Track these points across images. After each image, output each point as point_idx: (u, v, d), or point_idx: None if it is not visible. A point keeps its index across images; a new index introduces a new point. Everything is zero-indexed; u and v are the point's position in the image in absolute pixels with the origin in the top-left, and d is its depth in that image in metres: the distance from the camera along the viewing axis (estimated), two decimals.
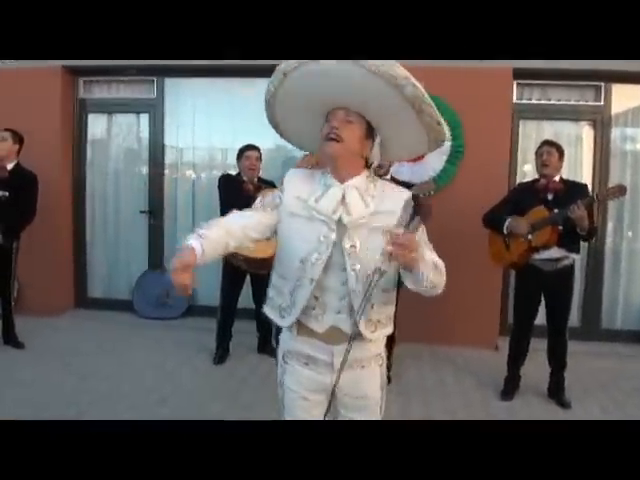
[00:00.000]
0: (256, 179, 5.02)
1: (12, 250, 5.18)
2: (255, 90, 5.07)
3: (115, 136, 6.77)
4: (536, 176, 4.44)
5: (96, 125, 6.72)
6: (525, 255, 4.25)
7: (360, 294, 1.94)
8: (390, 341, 4.46)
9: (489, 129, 5.53)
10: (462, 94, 5.50)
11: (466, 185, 5.53)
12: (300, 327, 2.06)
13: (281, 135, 2.24)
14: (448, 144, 5.51)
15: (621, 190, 4.02)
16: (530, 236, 4.17)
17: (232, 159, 5.45)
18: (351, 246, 1.96)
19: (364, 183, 2.03)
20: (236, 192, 4.71)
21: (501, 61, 4.94)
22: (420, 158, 5.52)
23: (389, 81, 1.79)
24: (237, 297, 5.14)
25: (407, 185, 4.43)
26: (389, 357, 4.48)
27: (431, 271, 1.86)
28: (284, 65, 1.90)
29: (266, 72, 2.12)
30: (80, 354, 5.19)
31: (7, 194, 4.99)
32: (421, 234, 1.98)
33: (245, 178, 4.95)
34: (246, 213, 2.10)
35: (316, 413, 2.07)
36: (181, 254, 1.83)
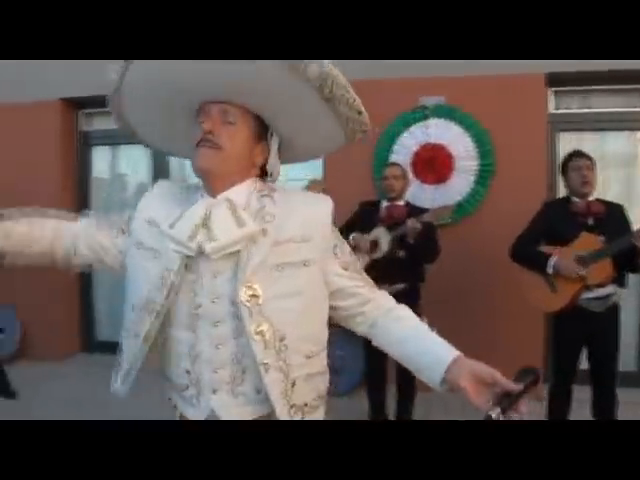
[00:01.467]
0: None
1: None
2: None
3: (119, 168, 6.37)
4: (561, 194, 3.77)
5: (100, 158, 6.34)
6: (577, 296, 3.45)
7: (273, 370, 1.34)
8: (409, 388, 3.94)
9: (522, 144, 4.84)
10: (490, 106, 4.86)
11: (497, 209, 4.84)
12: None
13: (143, 142, 1.63)
14: (475, 163, 4.87)
15: None
16: (584, 272, 3.36)
17: None
18: (250, 296, 1.34)
19: (245, 195, 1.42)
20: None
21: (532, 65, 4.32)
22: (443, 179, 4.90)
23: (282, 66, 1.23)
24: None
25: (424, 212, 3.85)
26: (407, 408, 3.98)
27: None
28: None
29: None
30: (85, 406, 4.67)
31: None
32: (351, 261, 1.49)
33: None
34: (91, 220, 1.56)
35: None
36: None
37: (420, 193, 4.85)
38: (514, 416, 1.26)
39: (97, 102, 5.82)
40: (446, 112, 4.94)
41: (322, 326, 1.48)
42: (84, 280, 6.29)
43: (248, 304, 1.33)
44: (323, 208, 1.45)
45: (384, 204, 4.02)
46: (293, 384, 1.39)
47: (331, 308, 1.51)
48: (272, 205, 1.42)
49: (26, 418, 4.04)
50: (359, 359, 4.47)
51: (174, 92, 1.38)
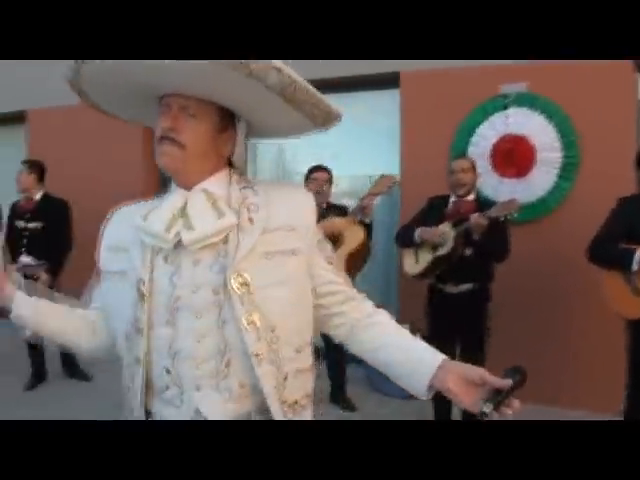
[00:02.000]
0: (324, 204, 4.40)
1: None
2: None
3: None
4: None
5: None
6: None
7: (266, 362, 1.29)
8: None
9: (610, 134, 4.53)
10: (575, 94, 4.59)
11: (581, 206, 4.55)
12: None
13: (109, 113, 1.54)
14: (558, 155, 4.61)
15: None
16: None
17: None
18: (240, 284, 1.29)
19: (224, 187, 1.38)
20: None
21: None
22: (524, 173, 4.67)
23: (240, 70, 1.17)
24: None
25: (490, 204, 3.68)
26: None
27: None
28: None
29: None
30: None
31: (38, 225, 4.95)
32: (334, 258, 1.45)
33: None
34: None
35: None
36: None
37: (499, 188, 4.65)
38: (507, 412, 1.26)
39: None
40: (528, 100, 4.71)
41: (309, 320, 1.42)
42: None
43: (239, 292, 1.28)
44: (305, 200, 1.43)
45: (452, 199, 3.88)
46: (285, 378, 1.33)
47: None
48: (254, 196, 1.38)
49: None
50: None
51: (132, 85, 1.34)
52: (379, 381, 4.66)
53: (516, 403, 1.25)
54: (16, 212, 5.09)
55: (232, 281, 1.28)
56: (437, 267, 3.75)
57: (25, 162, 5.24)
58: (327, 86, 5.37)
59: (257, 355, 1.28)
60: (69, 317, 1.52)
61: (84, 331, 1.52)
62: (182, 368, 1.32)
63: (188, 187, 1.38)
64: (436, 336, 3.53)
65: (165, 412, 1.36)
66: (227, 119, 1.38)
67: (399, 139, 5.20)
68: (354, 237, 4.00)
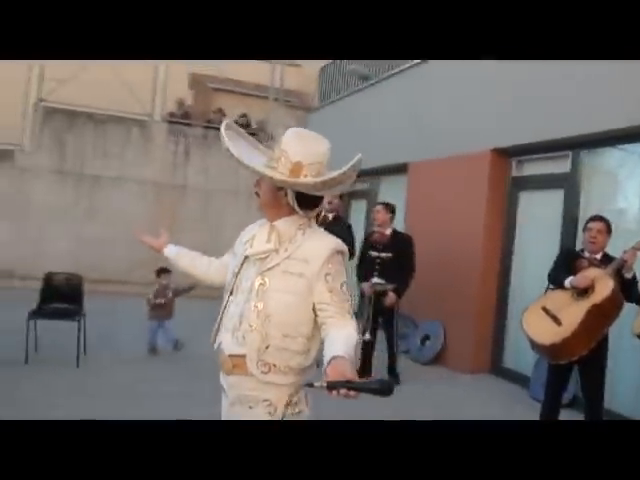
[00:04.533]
0: (599, 255, 4.35)
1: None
2: None
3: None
4: None
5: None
6: None
7: (256, 332, 2.09)
8: None
9: None
10: None
11: None
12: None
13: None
14: None
15: None
16: None
17: None
18: (260, 284, 2.14)
19: (290, 226, 2.17)
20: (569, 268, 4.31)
21: None
22: None
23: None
24: None
25: None
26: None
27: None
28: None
29: None
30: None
31: (390, 255, 6.13)
32: (337, 290, 2.11)
33: (586, 254, 4.38)
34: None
35: None
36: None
37: None
38: (335, 394, 1.74)
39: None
40: None
41: (304, 321, 2.13)
42: (500, 310, 7.00)
43: (257, 288, 2.13)
44: (327, 245, 2.14)
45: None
46: (267, 347, 2.10)
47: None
48: (301, 235, 2.16)
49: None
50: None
51: None
52: None
53: (352, 394, 1.73)
54: (368, 243, 6.48)
55: (256, 280, 2.15)
56: None
57: (381, 203, 6.64)
58: None
59: (250, 325, 2.11)
60: (196, 259, 2.60)
61: (203, 267, 2.58)
62: (226, 316, 2.23)
63: (271, 221, 2.24)
64: None
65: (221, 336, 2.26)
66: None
67: None
68: (602, 289, 4.03)
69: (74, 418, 3.97)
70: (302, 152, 2.13)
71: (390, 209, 6.40)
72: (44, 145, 10.82)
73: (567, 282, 4.19)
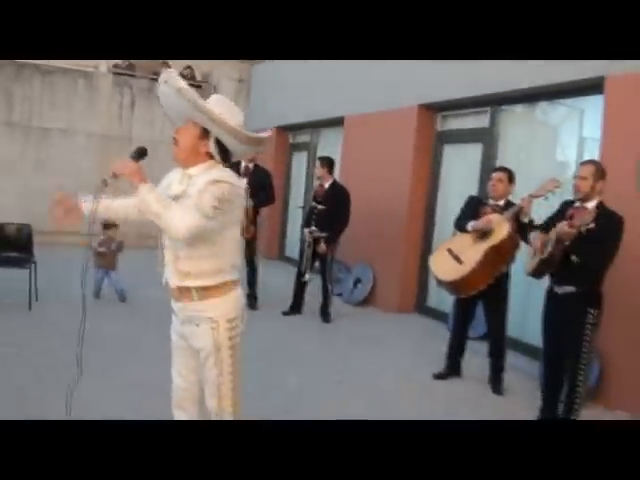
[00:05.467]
0: (501, 202, 4.86)
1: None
2: None
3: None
4: None
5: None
6: None
7: (168, 249, 2.63)
8: None
9: None
10: None
11: None
12: None
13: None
14: None
15: None
16: None
17: None
18: None
19: (199, 170, 2.60)
20: None
21: None
22: None
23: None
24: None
25: None
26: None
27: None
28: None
29: None
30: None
31: (324, 207, 6.76)
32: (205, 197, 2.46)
33: (490, 202, 4.94)
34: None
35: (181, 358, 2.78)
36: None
37: None
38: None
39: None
40: None
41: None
42: (425, 249, 7.51)
43: None
44: (211, 175, 2.52)
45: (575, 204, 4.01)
46: (177, 258, 2.60)
47: None
48: (203, 170, 2.60)
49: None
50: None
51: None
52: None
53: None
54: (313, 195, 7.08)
55: None
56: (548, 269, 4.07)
57: (319, 158, 7.20)
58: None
59: (165, 245, 2.66)
60: (114, 206, 2.82)
61: (122, 211, 2.82)
62: (166, 256, 2.69)
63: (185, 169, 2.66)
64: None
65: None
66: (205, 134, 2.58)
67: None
68: (499, 232, 4.59)
69: (25, 355, 4.50)
70: (231, 112, 2.57)
71: (327, 163, 6.96)
72: None
73: (469, 226, 4.76)
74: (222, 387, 2.64)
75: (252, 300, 7.08)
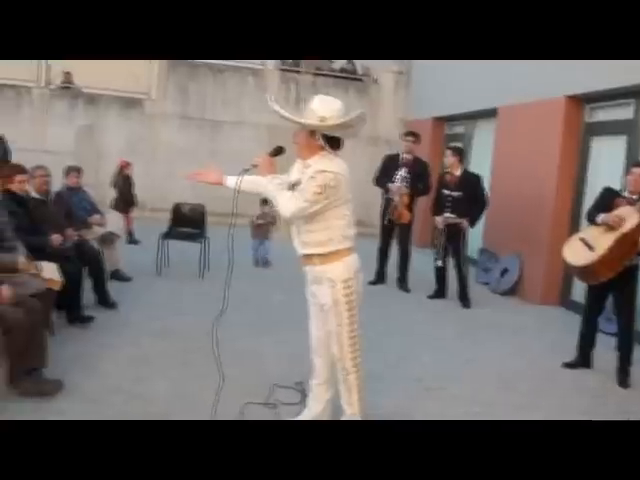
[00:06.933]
0: (636, 196, 4.82)
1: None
2: None
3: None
4: None
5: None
6: None
7: (294, 225, 3.25)
8: None
9: None
10: None
11: None
12: None
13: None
14: None
15: None
16: None
17: None
18: None
19: (316, 159, 3.20)
20: None
21: None
22: None
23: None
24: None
25: None
26: None
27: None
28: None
29: None
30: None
31: (460, 194, 7.00)
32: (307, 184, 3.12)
33: (626, 194, 4.95)
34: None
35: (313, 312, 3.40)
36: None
37: None
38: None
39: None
40: None
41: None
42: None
43: None
44: (319, 165, 3.15)
45: None
46: (299, 232, 3.29)
47: None
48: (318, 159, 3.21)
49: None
50: None
51: None
52: None
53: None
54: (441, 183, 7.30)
55: None
56: None
57: (449, 147, 7.53)
58: None
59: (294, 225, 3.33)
60: (257, 181, 3.39)
61: (263, 185, 3.39)
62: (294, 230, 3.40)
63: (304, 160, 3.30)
64: None
65: None
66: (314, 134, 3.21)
67: None
68: (631, 221, 4.67)
69: (200, 322, 5.24)
70: (323, 108, 3.13)
71: (457, 152, 7.26)
72: (169, 94, 12.19)
73: (598, 219, 4.84)
74: (341, 336, 3.23)
75: (402, 283, 7.61)
